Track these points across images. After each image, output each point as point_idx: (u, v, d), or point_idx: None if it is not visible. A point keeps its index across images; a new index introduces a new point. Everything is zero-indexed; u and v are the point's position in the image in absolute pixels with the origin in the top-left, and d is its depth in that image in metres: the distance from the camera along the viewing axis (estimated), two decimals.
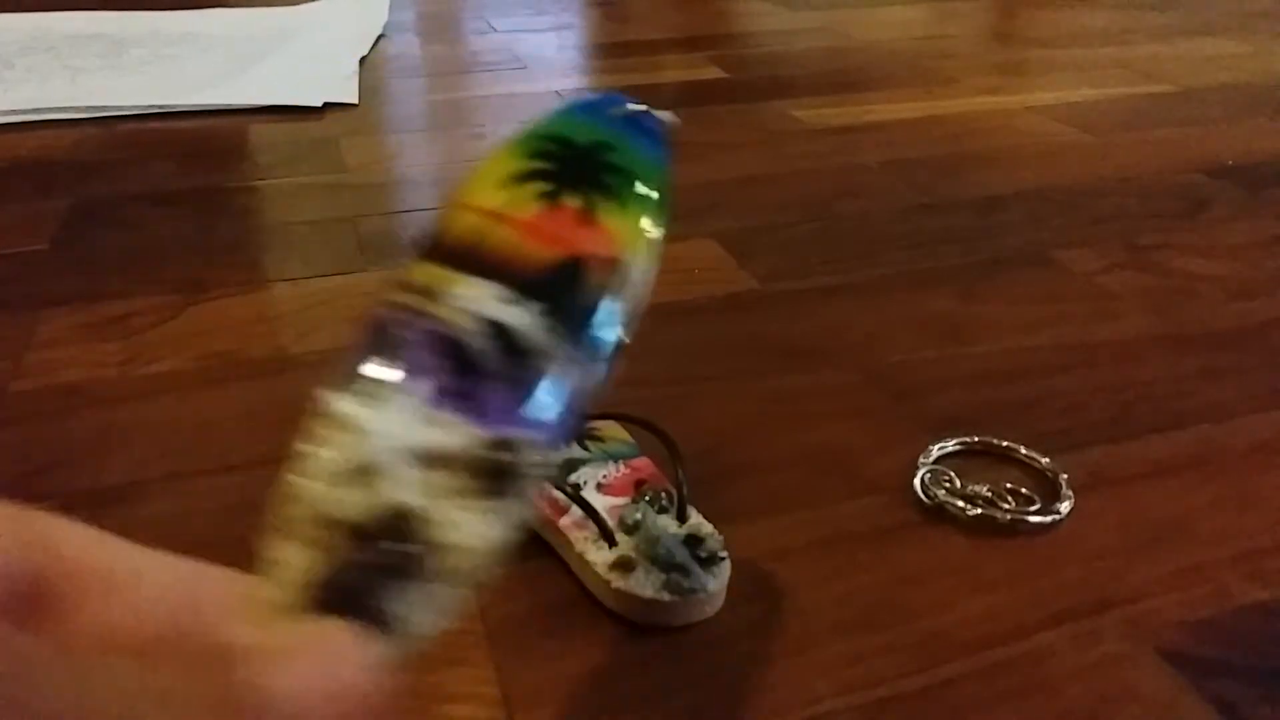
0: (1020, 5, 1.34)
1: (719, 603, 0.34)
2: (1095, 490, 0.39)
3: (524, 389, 0.21)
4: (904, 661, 0.32)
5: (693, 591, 0.33)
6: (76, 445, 0.44)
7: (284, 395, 0.47)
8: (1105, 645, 0.32)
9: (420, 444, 0.20)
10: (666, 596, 0.33)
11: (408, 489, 0.19)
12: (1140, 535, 0.37)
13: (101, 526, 0.41)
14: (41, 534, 0.19)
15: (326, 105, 0.91)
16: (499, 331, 0.22)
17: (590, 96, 0.28)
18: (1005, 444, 0.41)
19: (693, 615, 0.33)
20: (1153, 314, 0.53)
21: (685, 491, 0.37)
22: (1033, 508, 0.38)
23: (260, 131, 0.86)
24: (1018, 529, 0.37)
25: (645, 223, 0.25)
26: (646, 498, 0.37)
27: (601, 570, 0.34)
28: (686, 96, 0.95)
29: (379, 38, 1.15)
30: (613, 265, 0.24)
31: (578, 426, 0.21)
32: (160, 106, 0.90)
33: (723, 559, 0.34)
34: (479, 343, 0.21)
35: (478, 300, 0.22)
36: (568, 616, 0.34)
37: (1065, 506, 0.38)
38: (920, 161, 0.76)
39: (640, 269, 0.25)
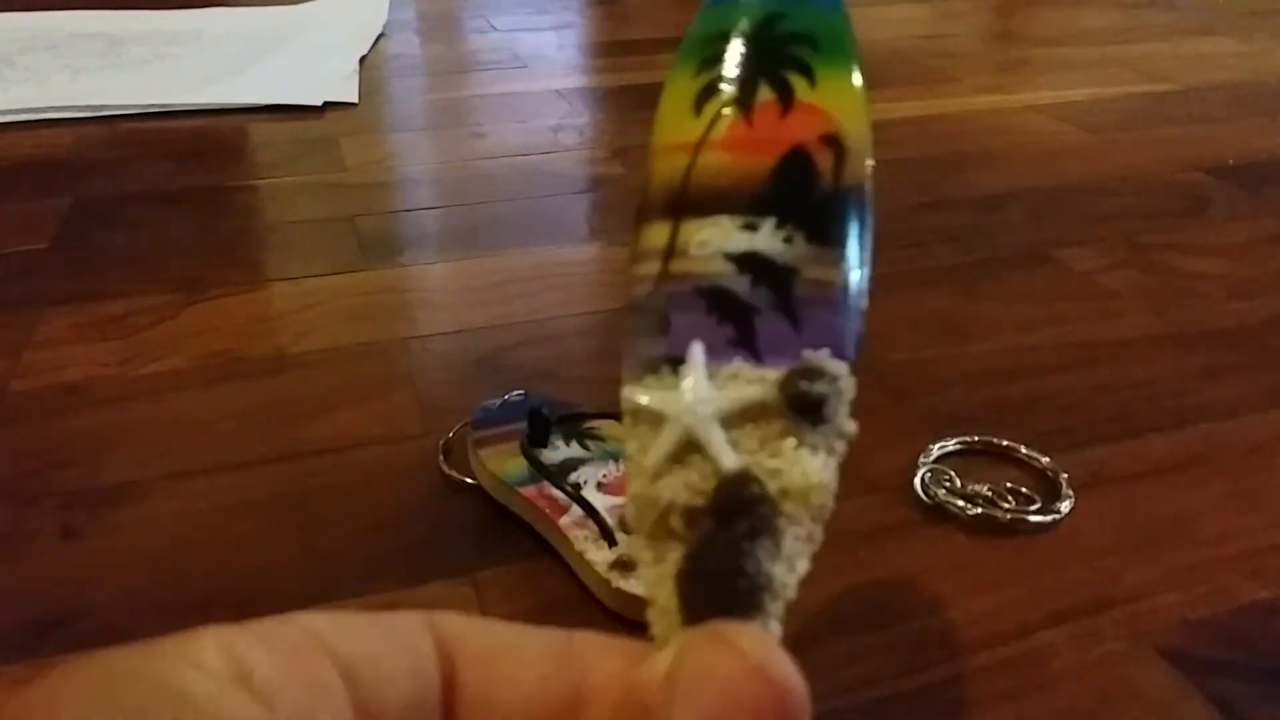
0: (1021, 4, 1.33)
1: None
2: (1095, 490, 0.39)
3: (794, 311, 0.20)
4: (904, 661, 0.32)
5: None
6: (76, 445, 0.44)
7: (284, 395, 0.47)
8: (1105, 645, 0.32)
9: (725, 406, 0.19)
10: None
11: (731, 452, 0.19)
12: (1140, 535, 0.37)
13: (101, 527, 0.41)
14: (443, 637, 0.19)
15: (326, 104, 0.91)
16: (751, 262, 0.21)
17: None
18: (1005, 443, 0.41)
19: None
20: (1153, 313, 0.53)
21: None
22: (1033, 507, 0.38)
23: (260, 131, 0.86)
24: (1018, 528, 0.37)
25: (848, 81, 0.23)
26: None
27: (601, 570, 0.34)
28: None
29: (379, 37, 1.15)
30: (832, 142, 0.22)
31: (861, 325, 0.21)
32: (160, 105, 0.90)
33: None
34: (735, 283, 0.21)
35: (717, 239, 0.21)
36: (568, 616, 0.34)
37: (1065, 506, 0.38)
38: (920, 160, 0.76)
39: (860, 134, 0.22)
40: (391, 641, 0.18)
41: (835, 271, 0.21)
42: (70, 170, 0.77)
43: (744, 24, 0.24)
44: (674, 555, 0.19)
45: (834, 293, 0.21)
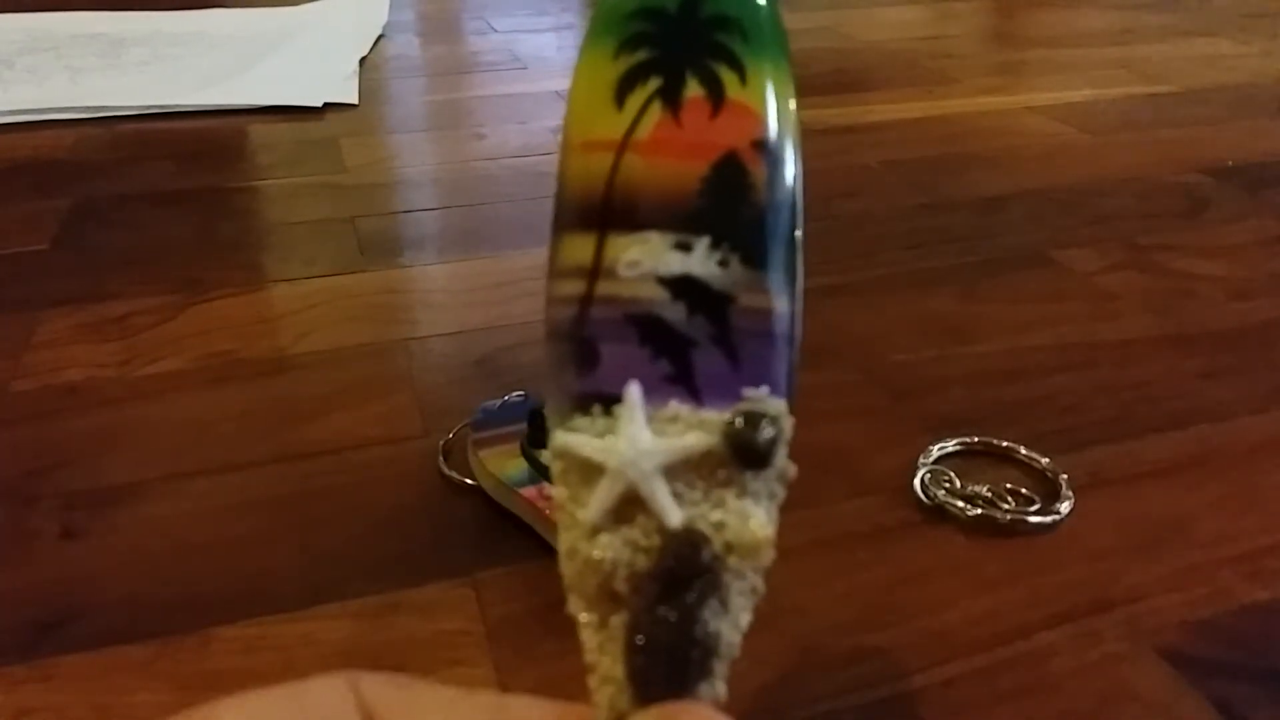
0: (1020, 5, 1.34)
1: None
2: (1095, 490, 0.39)
3: (733, 344, 0.19)
4: (904, 661, 0.32)
5: None
6: (76, 445, 0.44)
7: (284, 395, 0.47)
8: (1105, 645, 0.32)
9: (665, 457, 0.18)
10: None
11: (676, 508, 0.18)
12: (1140, 535, 0.37)
13: (101, 527, 0.41)
14: (367, 705, 0.18)
15: (326, 105, 0.91)
16: (686, 287, 0.19)
17: None
18: (1005, 444, 0.41)
19: None
20: (1153, 314, 0.53)
21: None
22: (1033, 508, 0.38)
23: (260, 132, 0.86)
24: (1018, 529, 0.37)
25: (780, 78, 0.21)
26: None
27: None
28: None
29: (379, 38, 1.15)
30: (764, 149, 0.20)
31: (795, 357, 0.20)
32: (160, 106, 0.90)
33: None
34: (670, 311, 0.19)
35: (648, 259, 0.19)
36: (568, 616, 0.34)
37: (1065, 506, 0.38)
38: (920, 161, 0.76)
39: (792, 140, 0.21)
40: (311, 716, 0.18)
41: (771, 299, 0.20)
42: (70, 171, 0.77)
43: (670, 2, 0.21)
44: (618, 620, 0.18)
45: (771, 323, 0.19)
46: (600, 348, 0.19)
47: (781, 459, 0.19)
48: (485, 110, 0.91)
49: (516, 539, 0.37)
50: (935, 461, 0.41)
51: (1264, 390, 0.46)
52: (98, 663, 0.32)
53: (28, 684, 0.32)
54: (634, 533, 0.18)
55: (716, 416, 0.18)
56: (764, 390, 0.19)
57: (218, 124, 0.88)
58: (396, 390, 0.47)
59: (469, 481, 0.40)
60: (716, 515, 0.18)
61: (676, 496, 0.18)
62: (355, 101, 0.92)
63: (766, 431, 0.18)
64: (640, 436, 0.18)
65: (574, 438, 0.19)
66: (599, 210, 0.20)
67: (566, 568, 0.19)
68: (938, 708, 0.30)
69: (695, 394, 0.19)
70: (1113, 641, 0.32)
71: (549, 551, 0.36)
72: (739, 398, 0.19)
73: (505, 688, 0.31)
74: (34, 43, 1.12)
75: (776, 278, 0.20)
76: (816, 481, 0.40)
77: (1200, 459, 0.41)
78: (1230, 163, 0.74)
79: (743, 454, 0.18)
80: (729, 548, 0.18)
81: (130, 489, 0.41)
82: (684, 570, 0.18)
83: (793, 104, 0.21)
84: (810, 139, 0.81)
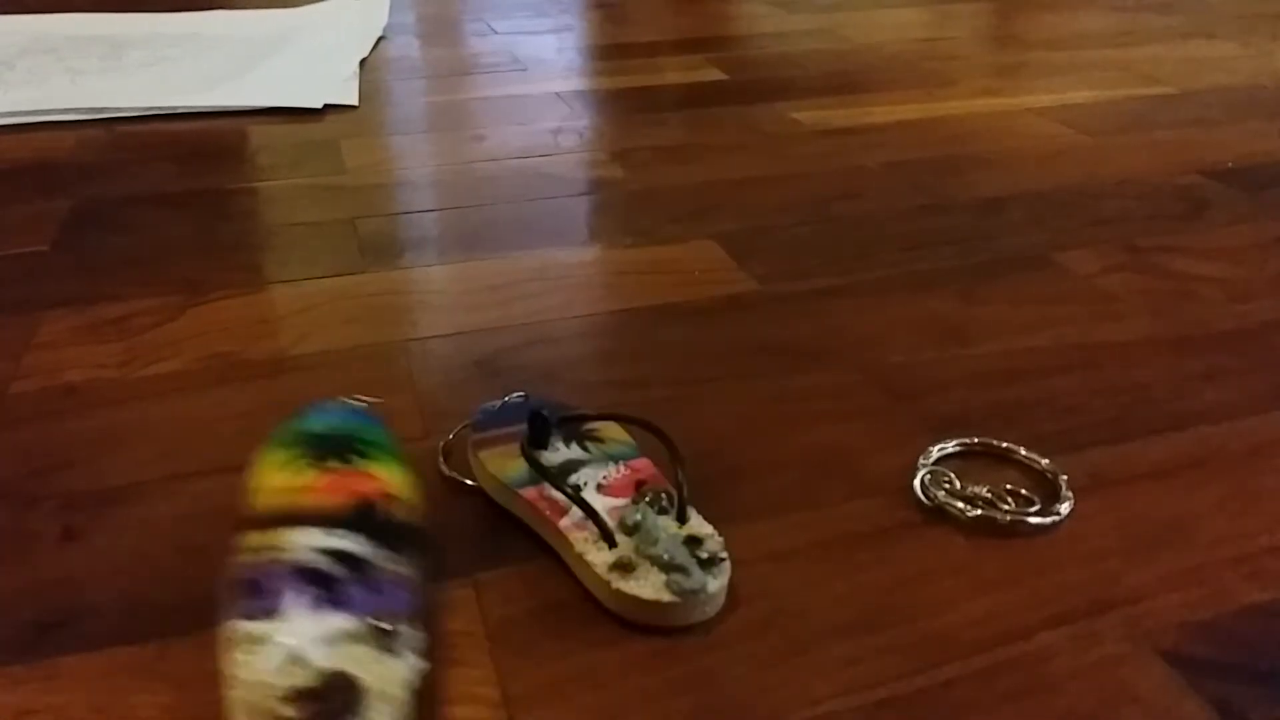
0: (1020, 7, 1.34)
1: (719, 603, 0.34)
2: (1095, 491, 0.39)
3: (373, 582, 0.29)
4: (904, 662, 0.32)
5: (693, 592, 0.33)
6: (76, 445, 0.44)
7: (283, 396, 0.47)
8: (1105, 645, 0.32)
9: (324, 632, 0.28)
10: (667, 597, 0.33)
11: (329, 659, 0.27)
12: (1140, 536, 0.37)
13: (101, 527, 0.41)
14: None
15: (327, 107, 0.91)
16: (336, 554, 0.30)
17: (315, 403, 0.39)
18: (1005, 445, 0.41)
19: (693, 616, 0.33)
20: (1152, 315, 0.53)
21: (685, 492, 0.36)
22: (1032, 509, 0.38)
23: (261, 133, 0.86)
24: (1017, 530, 0.37)
25: (393, 462, 0.36)
26: (646, 499, 0.37)
27: (601, 571, 0.34)
28: (686, 98, 0.95)
29: (379, 40, 1.15)
30: (388, 496, 0.34)
31: (419, 599, 0.31)
32: (161, 108, 0.90)
33: (723, 560, 0.34)
34: (323, 563, 0.29)
35: (310, 539, 0.30)
36: (568, 617, 0.34)
37: (1065, 507, 0.38)
38: (920, 163, 0.76)
39: (407, 493, 0.35)
40: None
41: (400, 566, 0.31)
42: (71, 173, 0.77)
43: (318, 429, 0.36)
44: None
45: (399, 579, 0.30)
46: (264, 583, 0.29)
47: (409, 649, 0.29)
48: (485, 112, 0.91)
49: (516, 540, 0.37)
50: (935, 462, 0.41)
51: (1264, 390, 0.46)
52: (98, 663, 0.32)
53: (28, 684, 0.32)
54: (295, 678, 0.27)
55: (357, 617, 0.29)
56: (391, 608, 0.29)
57: (218, 125, 0.88)
58: (397, 391, 0.47)
59: (469, 482, 0.40)
60: (359, 668, 0.27)
61: (335, 655, 0.28)
62: (355, 103, 0.93)
63: (386, 626, 0.29)
64: (301, 623, 0.28)
65: (250, 623, 0.28)
66: (273, 519, 0.31)
67: (234, 708, 0.28)
68: (938, 708, 0.30)
69: (343, 606, 0.28)
70: (1113, 642, 0.32)
71: (549, 552, 0.36)
72: (373, 611, 0.29)
73: (505, 688, 0.31)
74: (34, 44, 1.12)
75: (402, 557, 0.31)
76: (817, 482, 0.40)
77: (1200, 459, 0.41)
78: (1230, 164, 0.75)
79: (373, 638, 0.28)
80: (366, 688, 0.27)
81: (130, 489, 0.41)
82: (334, 688, 0.27)
83: (407, 474, 0.36)
84: (810, 140, 0.81)
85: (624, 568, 0.34)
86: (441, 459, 0.41)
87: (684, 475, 0.37)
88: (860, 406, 0.45)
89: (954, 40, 1.15)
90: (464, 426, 0.43)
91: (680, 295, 0.56)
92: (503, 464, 0.39)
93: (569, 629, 0.33)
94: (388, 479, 0.34)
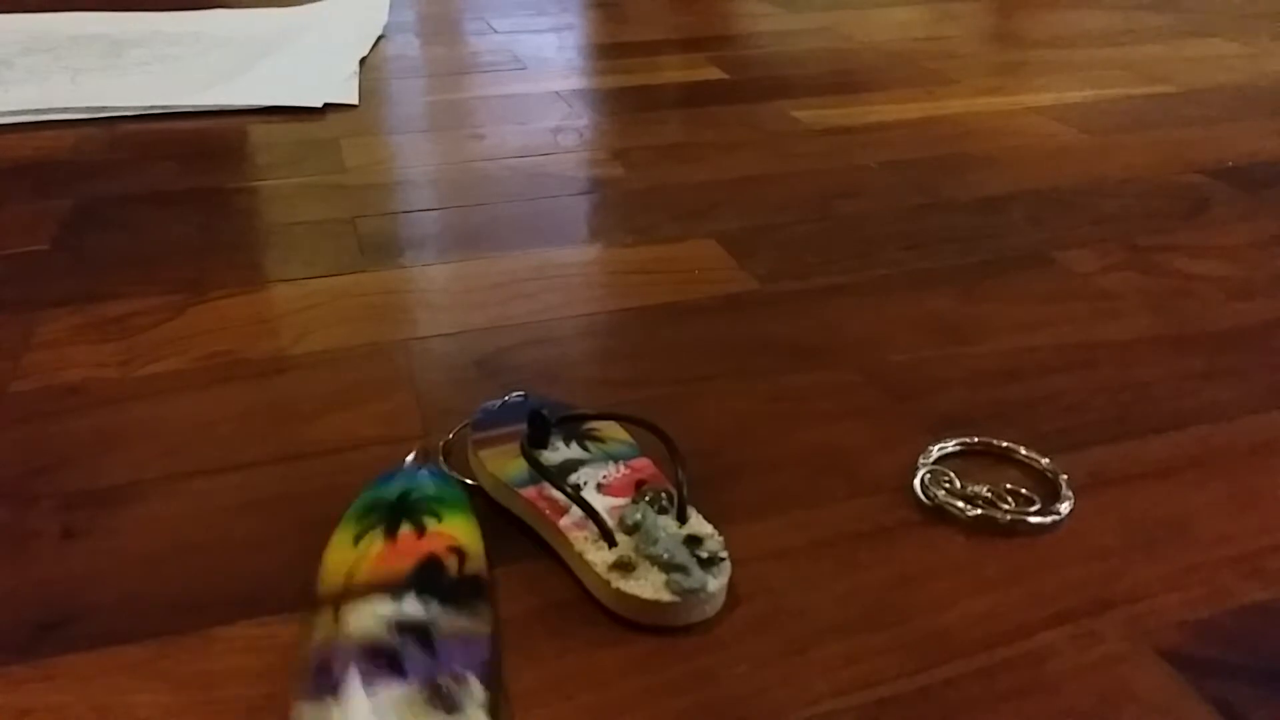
0: (1020, 6, 1.34)
1: (719, 603, 0.34)
2: (1095, 490, 0.39)
3: (437, 646, 0.30)
4: (904, 661, 0.32)
5: (693, 592, 0.33)
6: (76, 445, 0.44)
7: (284, 396, 0.47)
8: (1105, 645, 0.32)
9: (387, 704, 0.28)
10: (667, 597, 0.32)
11: None
12: (1140, 535, 0.37)
13: (102, 527, 0.41)
14: None
15: (327, 106, 0.91)
16: (401, 623, 0.31)
17: (384, 472, 0.39)
18: (1005, 444, 0.41)
19: (693, 615, 0.33)
20: (1153, 314, 0.53)
21: (685, 492, 0.36)
22: (1033, 508, 0.38)
23: (261, 132, 0.86)
24: (1018, 529, 0.37)
25: (466, 519, 0.36)
26: (646, 498, 0.37)
27: (601, 570, 0.34)
28: (686, 97, 0.95)
29: (379, 39, 1.15)
30: (456, 550, 0.34)
31: (489, 653, 0.31)
32: (161, 107, 0.90)
33: (723, 559, 0.34)
34: (389, 635, 0.30)
35: (375, 609, 0.31)
36: (568, 616, 0.34)
37: (1065, 507, 0.38)
38: (920, 162, 0.76)
39: (476, 549, 0.35)
40: None
41: (464, 622, 0.31)
42: (71, 172, 0.77)
43: (388, 496, 0.37)
44: None
45: (465, 635, 0.31)
46: (332, 663, 0.29)
47: (473, 708, 0.29)
48: (485, 111, 0.91)
49: (517, 539, 0.37)
50: (935, 462, 0.41)
51: (1264, 390, 0.46)
52: (98, 663, 0.32)
53: (28, 684, 0.32)
54: None
55: (418, 683, 0.29)
56: (453, 670, 0.29)
57: (218, 124, 0.88)
58: (396, 390, 0.47)
59: (469, 481, 0.40)
60: None
61: None
62: (355, 102, 0.93)
63: (444, 690, 0.29)
64: (357, 696, 0.28)
65: (306, 707, 0.29)
66: (339, 595, 0.32)
67: None
68: (938, 708, 0.30)
69: (403, 675, 0.29)
70: (1113, 641, 0.32)
71: (549, 552, 0.36)
72: (430, 677, 0.29)
73: (505, 688, 0.31)
74: (34, 43, 1.12)
75: (467, 612, 0.32)
76: (816, 482, 0.40)
77: (1200, 459, 0.41)
78: (1230, 163, 0.75)
79: (434, 704, 0.29)
80: None
81: (130, 489, 0.41)
82: None
83: (478, 529, 0.36)
84: (810, 139, 0.81)
85: (624, 567, 0.34)
86: (441, 458, 0.41)
87: (684, 475, 0.37)
88: (860, 405, 0.45)
89: (954, 39, 1.15)
90: (464, 426, 0.43)
91: (680, 294, 0.56)
92: (503, 463, 0.39)
93: (569, 628, 0.33)
94: (456, 533, 0.35)
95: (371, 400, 0.46)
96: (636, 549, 0.34)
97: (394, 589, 0.32)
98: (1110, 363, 0.48)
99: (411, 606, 0.31)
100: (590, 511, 0.35)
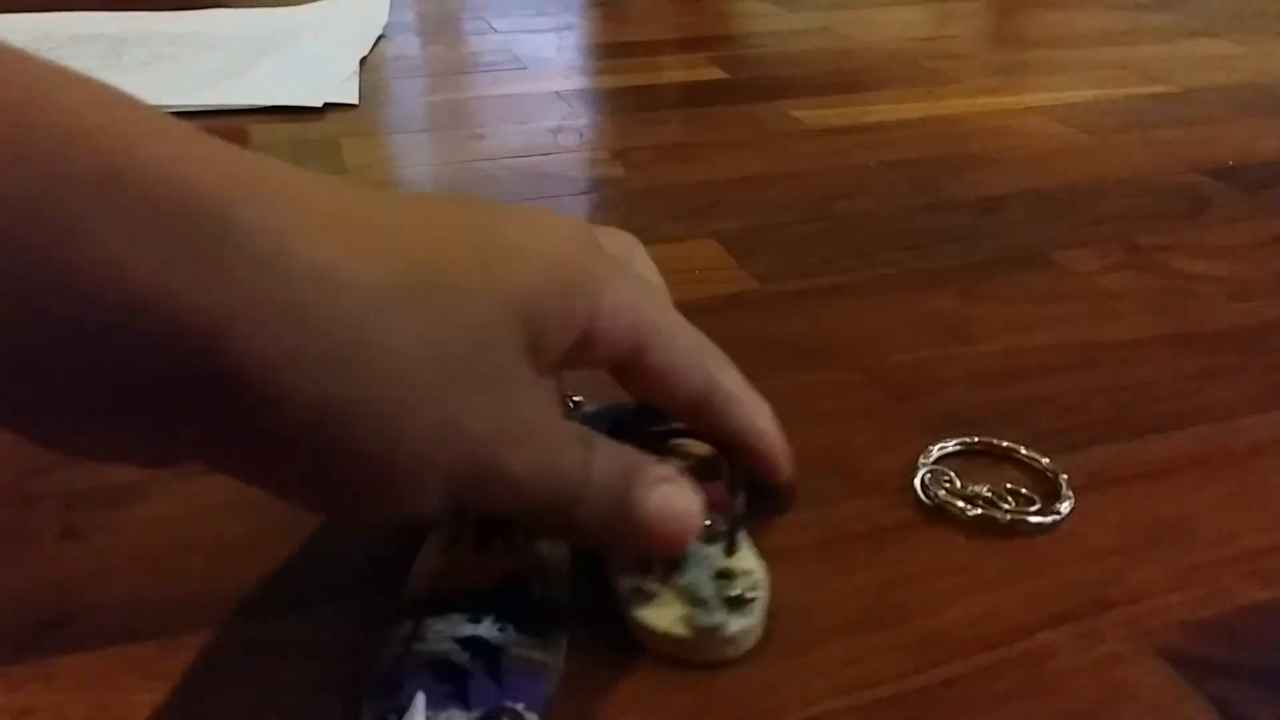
0: (1020, 5, 1.34)
1: (745, 645, 0.32)
2: (1095, 490, 0.39)
3: (501, 676, 0.29)
4: (904, 661, 0.32)
5: (709, 630, 0.31)
6: None
7: None
8: (1105, 645, 0.32)
9: None
10: (680, 631, 0.31)
11: None
12: (1140, 535, 0.37)
13: (102, 527, 0.41)
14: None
15: (327, 106, 0.91)
16: (472, 643, 0.30)
17: None
18: (1005, 444, 0.41)
19: (711, 654, 0.31)
20: (1153, 314, 0.53)
21: (739, 523, 0.35)
22: (1033, 508, 0.38)
23: (260, 132, 0.86)
24: (1018, 529, 0.37)
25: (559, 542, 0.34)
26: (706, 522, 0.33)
27: (622, 592, 0.32)
28: (686, 97, 0.95)
29: (379, 38, 1.15)
30: (539, 569, 0.33)
31: (552, 687, 0.30)
32: (161, 107, 0.90)
33: (751, 599, 0.32)
34: (458, 656, 0.29)
35: (449, 629, 0.30)
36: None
37: (1065, 507, 0.38)
38: (920, 161, 0.76)
39: (561, 566, 0.33)
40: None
41: (537, 653, 0.30)
42: None
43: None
44: None
45: (534, 666, 0.29)
46: (403, 682, 0.28)
47: None
48: (485, 110, 0.91)
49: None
50: (935, 461, 0.41)
51: (1264, 390, 0.46)
52: (98, 663, 0.32)
53: (28, 684, 0.32)
54: None
55: (478, 713, 0.28)
56: (520, 705, 0.28)
57: (218, 124, 0.88)
58: None
59: None
60: None
61: None
62: (356, 102, 0.93)
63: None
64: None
65: None
66: (421, 604, 0.31)
67: None
68: (938, 708, 0.30)
69: (466, 705, 0.28)
70: (1113, 641, 0.32)
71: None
72: (490, 707, 0.28)
73: None
74: (34, 43, 1.12)
75: (542, 640, 0.30)
76: (816, 482, 0.40)
77: (1200, 459, 0.41)
78: (1231, 163, 0.75)
79: None
80: None
81: (130, 489, 0.41)
82: None
83: (566, 552, 0.34)
84: (811, 139, 0.81)
85: (644, 594, 0.32)
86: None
87: (740, 503, 0.35)
88: (860, 405, 0.45)
89: (954, 39, 1.15)
90: None
91: (680, 294, 0.56)
92: None
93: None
94: (546, 551, 0.34)
95: None
96: (666, 575, 0.33)
97: (474, 607, 0.31)
98: (1110, 363, 0.48)
99: (488, 628, 0.30)
100: None
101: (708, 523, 0.33)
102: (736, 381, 0.35)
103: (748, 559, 0.34)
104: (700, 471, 0.36)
